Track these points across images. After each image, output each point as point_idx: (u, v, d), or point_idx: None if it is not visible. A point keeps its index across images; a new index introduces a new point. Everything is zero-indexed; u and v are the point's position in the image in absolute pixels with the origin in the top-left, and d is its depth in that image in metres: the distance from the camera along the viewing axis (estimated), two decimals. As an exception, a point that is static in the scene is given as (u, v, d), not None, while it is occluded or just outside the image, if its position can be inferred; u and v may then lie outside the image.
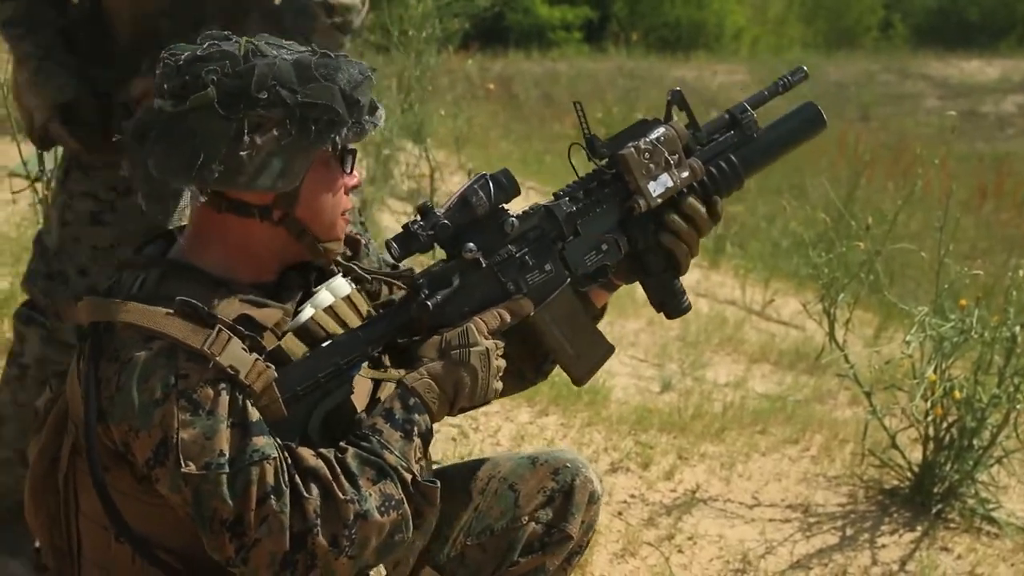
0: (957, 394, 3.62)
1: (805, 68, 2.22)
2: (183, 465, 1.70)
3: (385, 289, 2.08)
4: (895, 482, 3.86)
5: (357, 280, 2.04)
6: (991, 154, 15.04)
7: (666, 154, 2.03)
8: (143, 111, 1.86)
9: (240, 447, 1.71)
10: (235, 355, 1.75)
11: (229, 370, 1.73)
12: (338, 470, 1.75)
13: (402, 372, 1.91)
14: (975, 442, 3.68)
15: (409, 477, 1.79)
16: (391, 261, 2.04)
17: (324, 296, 1.95)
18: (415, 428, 1.83)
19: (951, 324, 3.65)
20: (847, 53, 22.60)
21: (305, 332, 1.89)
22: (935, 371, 3.65)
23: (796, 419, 4.47)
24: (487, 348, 1.89)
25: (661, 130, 2.04)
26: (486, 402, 1.92)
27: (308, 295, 1.94)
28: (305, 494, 1.72)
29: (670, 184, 2.04)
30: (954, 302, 3.84)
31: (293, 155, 1.82)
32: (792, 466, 4.06)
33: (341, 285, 1.98)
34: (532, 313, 1.98)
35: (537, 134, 12.64)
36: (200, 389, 1.72)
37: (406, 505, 1.78)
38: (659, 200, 2.03)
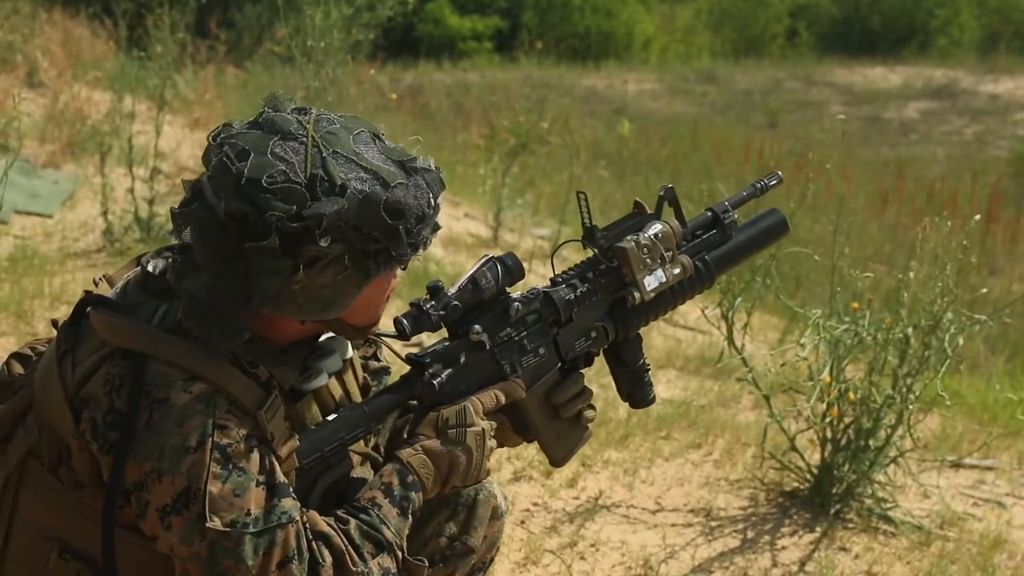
0: (852, 396, 3.68)
1: (780, 174, 2.35)
2: (208, 519, 1.67)
3: (372, 349, 2.12)
4: (795, 484, 3.90)
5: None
6: (895, 159, 15.34)
7: (662, 250, 2.11)
8: (194, 199, 1.76)
9: (268, 507, 1.70)
10: (279, 423, 1.75)
11: (268, 435, 1.73)
12: (347, 539, 1.76)
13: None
14: (871, 443, 3.74)
15: (400, 555, 1.82)
16: None
17: (335, 361, 1.94)
18: (410, 506, 1.85)
19: (844, 327, 3.71)
20: (754, 61, 22.92)
21: (316, 395, 1.91)
22: (830, 373, 3.70)
23: (700, 424, 4.50)
24: (483, 429, 1.92)
25: (659, 227, 2.12)
26: (477, 482, 1.96)
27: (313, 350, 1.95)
28: (320, 560, 1.73)
29: (664, 279, 2.13)
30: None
31: (346, 288, 1.79)
32: (695, 471, 4.09)
33: (345, 345, 1.98)
34: (524, 395, 2.01)
35: (448, 144, 12.60)
36: (235, 444, 1.70)
37: None
38: (652, 295, 2.11)
